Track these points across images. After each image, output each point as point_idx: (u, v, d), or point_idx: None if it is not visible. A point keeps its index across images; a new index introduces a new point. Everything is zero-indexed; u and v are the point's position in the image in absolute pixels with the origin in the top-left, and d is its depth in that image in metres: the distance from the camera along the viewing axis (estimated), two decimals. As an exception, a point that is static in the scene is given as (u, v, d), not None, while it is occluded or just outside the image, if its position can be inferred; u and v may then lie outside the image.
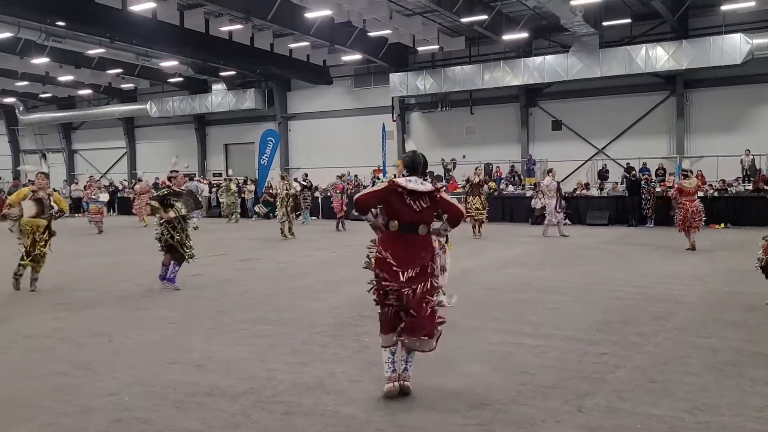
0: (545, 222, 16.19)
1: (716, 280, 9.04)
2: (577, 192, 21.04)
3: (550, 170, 16.97)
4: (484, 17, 20.46)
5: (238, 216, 23.17)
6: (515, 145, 25.04)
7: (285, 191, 16.37)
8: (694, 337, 5.86)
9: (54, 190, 9.74)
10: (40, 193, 8.64)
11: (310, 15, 19.90)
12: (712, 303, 7.42)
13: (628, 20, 21.41)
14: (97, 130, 35.43)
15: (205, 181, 27.08)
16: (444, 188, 5.10)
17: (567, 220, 19.99)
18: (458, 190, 23.54)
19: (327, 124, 28.47)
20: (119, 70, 27.70)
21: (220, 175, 31.04)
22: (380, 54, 24.87)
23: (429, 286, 4.35)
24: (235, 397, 4.42)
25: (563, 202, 16.43)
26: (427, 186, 4.40)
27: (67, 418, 4.10)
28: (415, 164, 4.51)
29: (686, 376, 4.74)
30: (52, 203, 8.71)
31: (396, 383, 4.37)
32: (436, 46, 23.69)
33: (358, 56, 24.79)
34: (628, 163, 21.71)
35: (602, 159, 23.71)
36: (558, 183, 16.47)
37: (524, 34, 22.18)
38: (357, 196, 4.50)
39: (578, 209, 20.31)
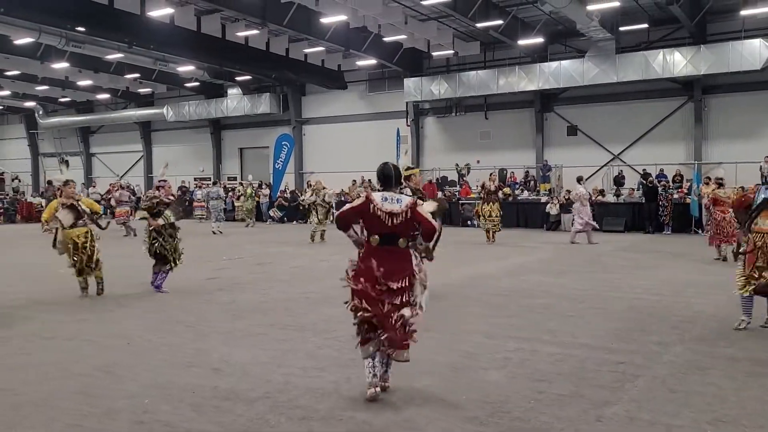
0: (574, 229, 15.98)
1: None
2: (593, 198, 20.92)
3: (579, 178, 16.82)
4: (500, 22, 20.44)
5: (254, 220, 23.28)
6: (530, 151, 24.95)
7: (316, 197, 16.19)
8: (714, 346, 5.80)
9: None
10: (69, 201, 8.50)
11: (325, 20, 19.99)
12: (732, 312, 7.33)
13: (645, 25, 21.28)
14: (114, 133, 35.77)
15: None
16: (423, 199, 5.16)
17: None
18: (471, 196, 23.58)
19: (341, 129, 28.53)
20: (137, 75, 27.98)
21: (235, 179, 31.24)
22: (395, 59, 24.91)
23: (403, 300, 4.44)
24: (253, 401, 4.45)
25: (589, 210, 16.28)
26: (403, 203, 4.46)
27: (90, 420, 4.14)
28: (386, 177, 4.56)
29: (706, 386, 4.70)
30: (84, 208, 8.61)
31: (377, 388, 4.46)
32: (451, 51, 23.69)
33: (372, 61, 24.85)
34: (644, 170, 21.55)
35: (618, 165, 23.55)
36: (590, 192, 16.34)
37: (540, 39, 22.13)
38: (337, 213, 4.61)
39: (594, 216, 20.18)
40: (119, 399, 4.49)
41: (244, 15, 19.63)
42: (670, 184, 20.31)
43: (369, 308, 4.41)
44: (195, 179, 31.22)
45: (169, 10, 18.53)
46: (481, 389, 4.65)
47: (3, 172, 33.36)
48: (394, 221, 4.43)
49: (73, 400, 4.48)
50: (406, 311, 4.44)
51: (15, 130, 39.85)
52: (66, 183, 8.60)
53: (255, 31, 21.04)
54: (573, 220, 16.46)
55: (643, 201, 19.40)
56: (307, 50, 23.69)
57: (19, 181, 32.84)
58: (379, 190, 4.59)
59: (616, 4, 18.66)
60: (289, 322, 6.96)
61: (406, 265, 4.50)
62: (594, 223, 16.03)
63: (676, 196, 19.17)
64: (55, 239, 8.38)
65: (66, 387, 4.77)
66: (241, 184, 27.06)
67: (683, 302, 7.91)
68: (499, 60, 24.71)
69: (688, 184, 20.05)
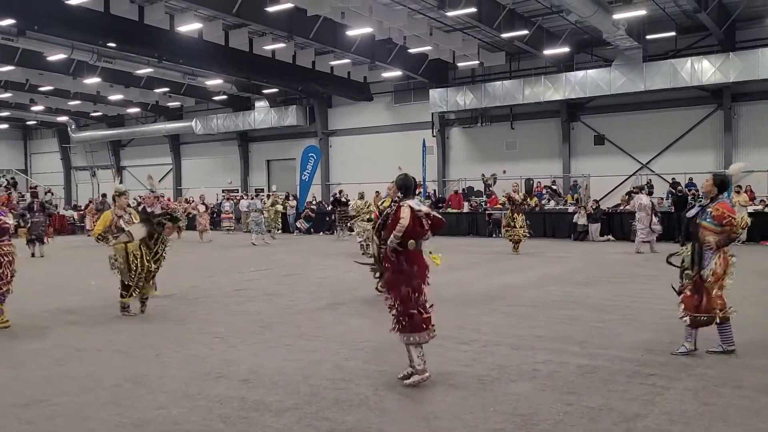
0: (638, 239, 15.74)
1: (769, 299, 8.75)
2: (621, 207, 20.67)
3: (640, 187, 16.59)
4: (525, 32, 20.40)
5: (277, 231, 23.39)
6: (556, 160, 24.79)
7: (362, 209, 15.79)
8: (747, 358, 5.68)
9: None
10: (126, 215, 8.20)
11: (351, 33, 20.17)
12: (766, 324, 7.19)
13: (673, 33, 21.07)
14: (144, 146, 36.45)
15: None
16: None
17: (611, 236, 19.68)
18: (498, 206, 23.45)
19: (367, 140, 28.68)
20: (166, 89, 28.54)
21: (262, 190, 31.55)
22: (420, 70, 25.00)
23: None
24: (281, 412, 4.47)
25: (655, 219, 15.94)
26: (424, 206, 5.10)
27: (121, 431, 4.21)
28: (408, 186, 5.10)
29: (740, 399, 4.61)
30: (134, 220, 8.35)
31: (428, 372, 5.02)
32: (477, 62, 23.71)
33: (398, 73, 24.98)
34: (673, 178, 21.25)
35: (647, 174, 23.26)
36: (651, 200, 16.00)
37: (566, 49, 22.04)
38: (400, 228, 4.87)
39: (622, 225, 19.94)
40: (149, 410, 4.56)
41: (272, 29, 19.90)
42: (700, 192, 19.93)
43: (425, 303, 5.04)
44: (223, 191, 31.63)
45: (197, 25, 18.88)
46: (510, 401, 4.62)
47: (37, 186, 34.10)
48: (428, 223, 5.03)
49: (105, 411, 4.56)
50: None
51: (48, 144, 40.86)
52: (120, 194, 8.28)
53: (282, 45, 21.32)
54: (636, 229, 16.14)
55: (673, 210, 19.08)
56: (333, 62, 23.90)
57: (53, 194, 33.46)
58: (400, 199, 5.07)
59: (643, 12, 18.52)
60: (317, 333, 6.99)
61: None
62: (658, 229, 15.80)
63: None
64: (115, 259, 7.96)
65: (98, 397, 4.86)
66: (267, 195, 27.28)
67: (715, 314, 7.75)
68: (524, 70, 24.65)
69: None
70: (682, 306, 5.80)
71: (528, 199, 17.26)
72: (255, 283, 10.96)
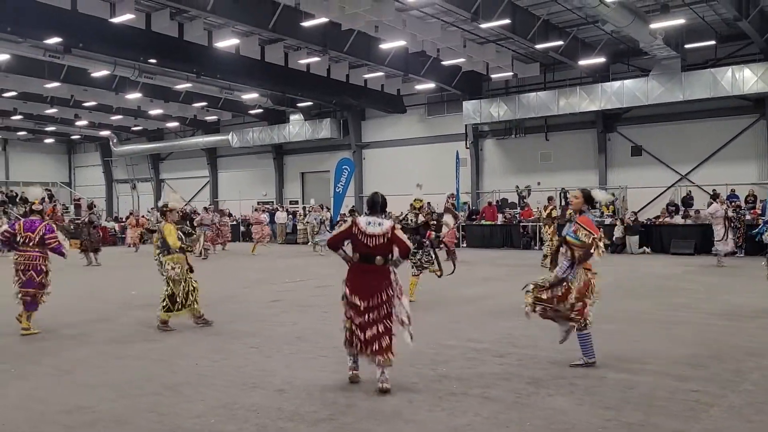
0: (716, 251, 15.27)
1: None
2: (661, 219, 20.28)
3: (716, 195, 16.13)
4: (560, 43, 20.26)
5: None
6: (592, 172, 24.45)
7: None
8: (794, 375, 5.51)
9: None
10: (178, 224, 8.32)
11: (384, 46, 20.30)
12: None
13: (713, 42, 20.67)
14: (182, 160, 37.18)
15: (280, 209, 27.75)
16: (399, 226, 5.66)
17: (647, 248, 19.27)
18: (533, 218, 23.22)
19: (401, 153, 28.73)
20: (204, 103, 29.14)
21: (296, 202, 31.84)
22: (454, 82, 25.00)
23: (385, 312, 5.22)
24: (316, 422, 4.50)
25: (730, 234, 15.36)
26: (384, 226, 5.25)
27: (160, 438, 4.29)
28: (374, 203, 5.41)
29: (787, 417, 4.47)
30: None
31: (356, 371, 5.39)
32: (510, 73, 23.61)
33: (431, 85, 25.02)
34: (714, 190, 20.76)
35: (686, 185, 22.79)
36: (726, 210, 15.47)
37: (601, 59, 21.80)
38: (329, 237, 5.60)
39: (661, 238, 19.55)
40: (187, 418, 4.63)
41: (306, 43, 20.16)
42: (743, 204, 19.47)
43: (356, 319, 5.20)
44: (258, 203, 31.99)
45: (234, 41, 19.25)
46: (547, 416, 4.56)
47: (80, 198, 35.04)
48: (374, 243, 5.22)
49: (145, 419, 4.65)
50: (386, 322, 5.21)
51: (91, 157, 42.00)
52: (171, 209, 8.27)
53: (316, 59, 21.57)
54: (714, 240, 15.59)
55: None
56: (366, 75, 24.08)
57: (95, 206, 34.27)
58: (366, 215, 5.44)
59: (681, 21, 18.22)
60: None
61: (384, 281, 5.25)
62: (727, 247, 15.15)
63: (748, 217, 18.34)
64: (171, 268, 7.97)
65: (138, 405, 4.95)
66: (305, 207, 27.53)
67: (759, 328, 7.54)
68: (559, 81, 24.45)
69: (762, 204, 19.19)
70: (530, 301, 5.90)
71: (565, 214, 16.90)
72: (289, 295, 11.05)
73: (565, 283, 5.65)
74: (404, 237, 5.39)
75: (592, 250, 5.54)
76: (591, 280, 5.70)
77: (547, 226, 15.42)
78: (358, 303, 5.19)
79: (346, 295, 5.29)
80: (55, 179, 39.04)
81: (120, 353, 6.74)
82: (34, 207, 8.23)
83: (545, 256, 15.30)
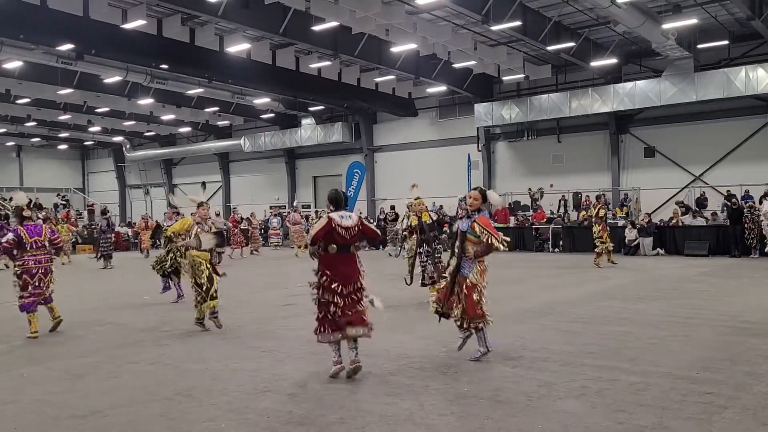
0: None
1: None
2: (674, 221, 20.12)
3: (731, 196, 15.98)
4: (571, 44, 20.16)
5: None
6: (605, 173, 24.32)
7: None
8: (810, 377, 5.43)
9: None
10: (204, 224, 8.25)
11: (395, 49, 20.32)
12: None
13: (726, 42, 20.49)
14: (195, 165, 37.37)
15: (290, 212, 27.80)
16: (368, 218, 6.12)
17: (660, 250, 19.10)
18: (545, 220, 23.13)
19: (412, 156, 28.72)
20: (216, 108, 29.28)
21: (309, 206, 31.90)
22: (465, 85, 24.96)
23: (361, 296, 5.83)
24: (326, 426, 4.49)
25: None
26: (353, 219, 5.84)
27: (171, 442, 4.30)
28: (338, 200, 5.86)
29: (803, 420, 4.40)
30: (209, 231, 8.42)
31: (341, 365, 5.69)
32: (522, 75, 23.54)
33: (443, 88, 24.99)
34: (728, 191, 20.55)
35: (699, 186, 22.60)
36: None
37: (613, 60, 21.69)
38: (310, 234, 5.89)
39: (675, 239, 19.39)
40: (198, 422, 4.64)
41: (317, 47, 20.22)
42: (757, 205, 19.27)
43: (339, 302, 5.66)
44: (270, 207, 32.11)
45: (246, 46, 19.34)
46: (558, 419, 4.53)
47: (93, 203, 35.33)
48: (350, 234, 5.77)
49: (156, 423, 4.67)
50: (362, 303, 5.81)
51: (104, 163, 42.35)
52: (200, 204, 8.37)
53: (327, 63, 21.62)
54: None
55: (728, 223, 18.47)
56: (378, 79, 24.10)
57: (108, 211, 34.61)
58: (331, 211, 5.82)
59: (694, 21, 18.08)
60: (362, 348, 6.97)
61: (358, 269, 5.87)
62: None
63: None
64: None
65: (149, 410, 4.97)
66: (317, 211, 27.60)
67: (776, 330, 7.44)
68: (571, 82, 24.34)
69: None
70: (434, 297, 6.47)
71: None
72: (300, 299, 11.03)
73: (467, 280, 6.14)
74: (372, 226, 6.17)
75: (492, 248, 6.06)
76: (484, 270, 6.26)
77: (596, 225, 15.44)
78: (340, 289, 5.68)
79: (325, 284, 5.70)
80: (69, 185, 39.42)
81: (132, 358, 6.78)
82: (24, 213, 8.12)
83: (598, 254, 15.32)
